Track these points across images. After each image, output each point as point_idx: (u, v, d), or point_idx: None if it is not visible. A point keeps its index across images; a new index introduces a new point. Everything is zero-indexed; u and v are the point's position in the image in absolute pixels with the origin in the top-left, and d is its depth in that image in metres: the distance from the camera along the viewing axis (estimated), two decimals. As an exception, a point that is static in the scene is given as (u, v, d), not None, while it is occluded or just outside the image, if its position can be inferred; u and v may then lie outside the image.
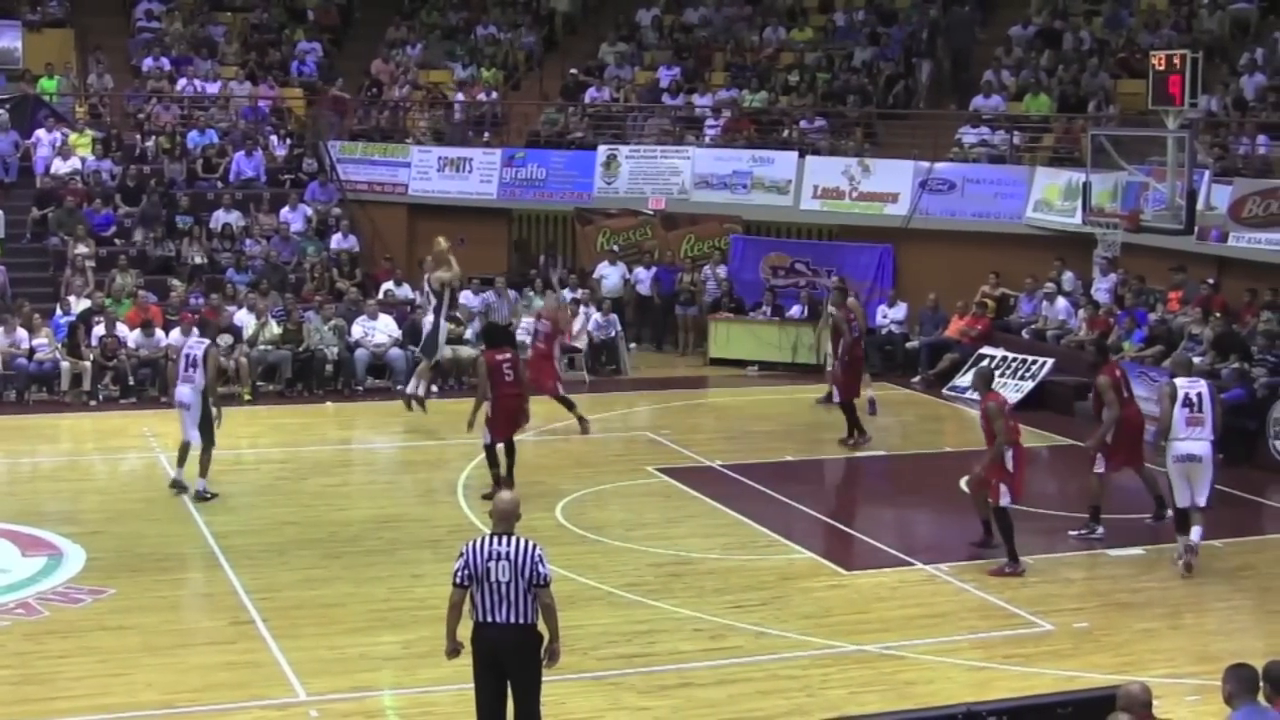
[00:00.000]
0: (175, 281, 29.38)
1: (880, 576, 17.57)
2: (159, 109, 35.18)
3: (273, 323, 27.71)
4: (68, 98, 35.35)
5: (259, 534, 18.78)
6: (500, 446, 20.35)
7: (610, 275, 31.81)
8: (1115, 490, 19.62)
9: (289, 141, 35.41)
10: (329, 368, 27.61)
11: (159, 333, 27.13)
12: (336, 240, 32.20)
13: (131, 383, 26.67)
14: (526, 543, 11.33)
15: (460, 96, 36.67)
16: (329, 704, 13.51)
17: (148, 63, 36.67)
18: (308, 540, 18.52)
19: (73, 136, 33.31)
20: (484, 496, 19.69)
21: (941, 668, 14.59)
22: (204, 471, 20.10)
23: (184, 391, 20.18)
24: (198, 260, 30.64)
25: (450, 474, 21.66)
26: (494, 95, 36.68)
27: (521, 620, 11.28)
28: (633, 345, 30.74)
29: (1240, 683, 9.84)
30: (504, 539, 11.32)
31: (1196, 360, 23.50)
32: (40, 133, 33.22)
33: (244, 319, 27.83)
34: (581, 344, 29.03)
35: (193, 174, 33.54)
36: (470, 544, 11.39)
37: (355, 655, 14.72)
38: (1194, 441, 17.62)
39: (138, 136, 34.35)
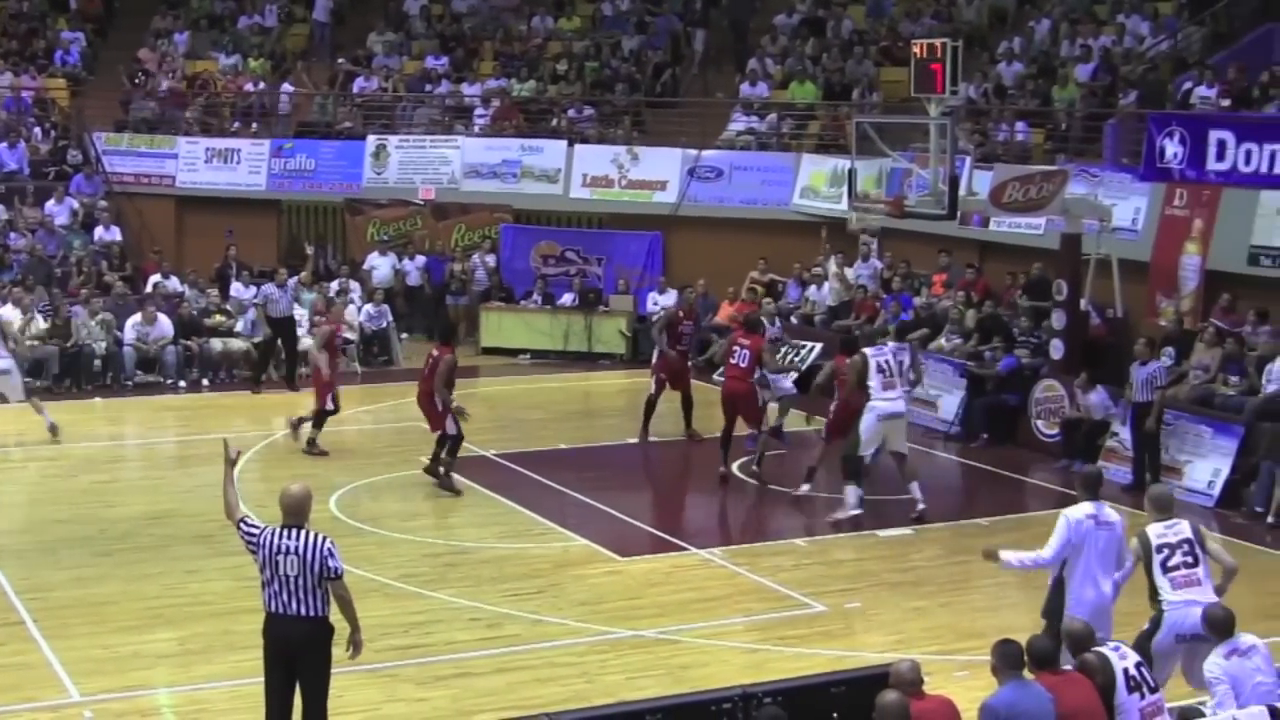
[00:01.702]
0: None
1: (654, 562, 17.85)
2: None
3: (39, 318, 27.21)
4: None
5: (27, 533, 18.53)
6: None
7: (381, 266, 31.70)
8: (883, 474, 20.13)
9: (53, 133, 34.75)
10: (97, 363, 27.20)
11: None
12: (102, 234, 31.68)
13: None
14: (316, 536, 11.36)
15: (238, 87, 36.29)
16: (103, 704, 13.41)
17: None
18: (78, 538, 18.29)
19: None
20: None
21: (716, 651, 14.87)
22: None
23: None
24: (-40, 255, 30.03)
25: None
26: (261, 85, 36.34)
27: (311, 614, 11.31)
28: (404, 335, 30.69)
29: (1005, 658, 10.23)
30: (293, 532, 11.33)
31: (959, 342, 24.31)
32: None
33: (9, 314, 27.27)
34: (353, 335, 28.92)
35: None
36: (267, 531, 11.37)
37: (129, 654, 14.61)
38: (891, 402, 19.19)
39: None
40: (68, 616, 15.49)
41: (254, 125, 35.28)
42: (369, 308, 29.64)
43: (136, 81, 36.60)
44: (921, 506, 19.35)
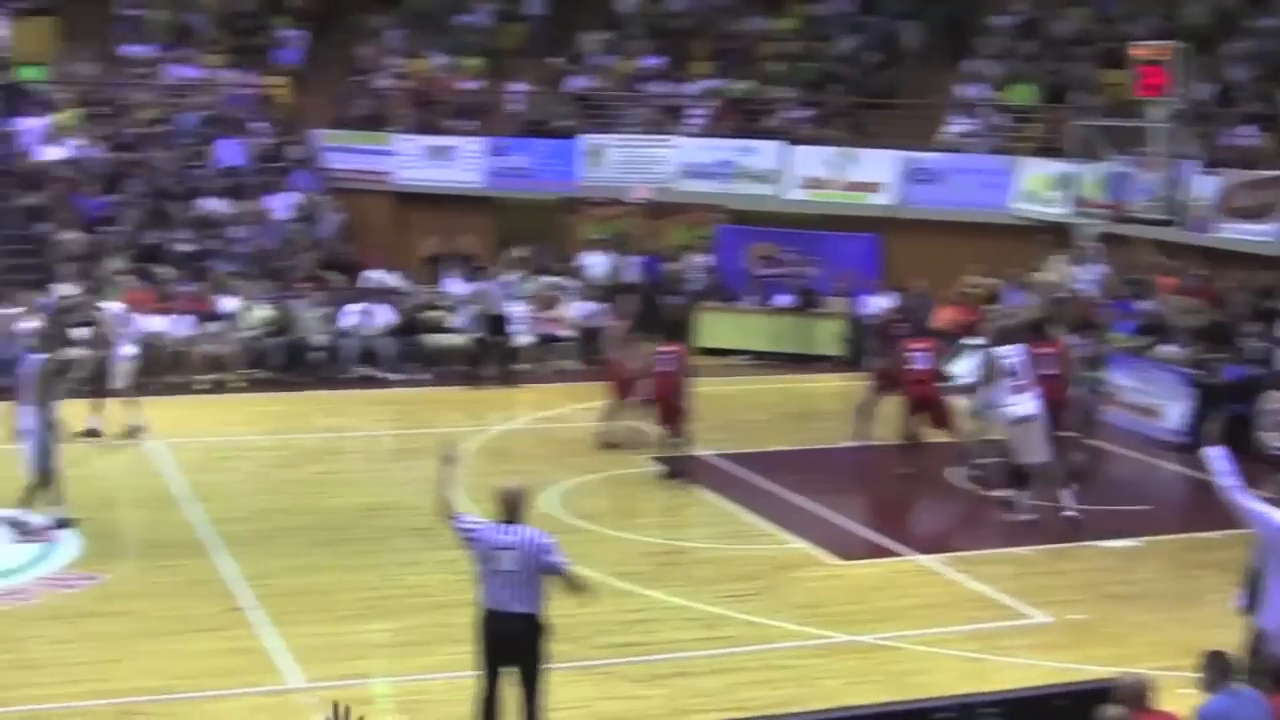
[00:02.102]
0: (162, 269, 29.28)
1: (873, 566, 17.63)
2: (142, 96, 35.07)
3: (261, 308, 27.68)
4: (51, 85, 35.20)
5: (250, 521, 18.78)
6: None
7: (598, 264, 31.77)
8: (1109, 482, 19.73)
9: (274, 129, 35.31)
10: (318, 355, 27.60)
11: (144, 319, 27.05)
12: (321, 228, 32.14)
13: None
14: (534, 533, 11.34)
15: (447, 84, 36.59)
16: (321, 690, 13.45)
17: (130, 50, 36.57)
18: (299, 528, 18.52)
19: (59, 114, 33.33)
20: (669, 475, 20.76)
21: (936, 658, 14.61)
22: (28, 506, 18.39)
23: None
24: (185, 248, 30.57)
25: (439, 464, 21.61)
26: (478, 84, 36.61)
27: (526, 610, 11.31)
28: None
29: (1216, 669, 9.95)
30: (511, 528, 11.32)
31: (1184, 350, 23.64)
32: (25, 120, 33.18)
33: (231, 306, 27.79)
34: (571, 333, 29.06)
35: (178, 161, 33.45)
36: (484, 527, 11.40)
37: (347, 642, 14.72)
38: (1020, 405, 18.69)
39: (122, 124, 34.24)
40: (288, 604, 15.65)
41: (470, 123, 35.50)
42: (587, 305, 29.70)
43: (354, 79, 37.06)
44: (1070, 514, 18.85)
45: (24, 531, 17.66)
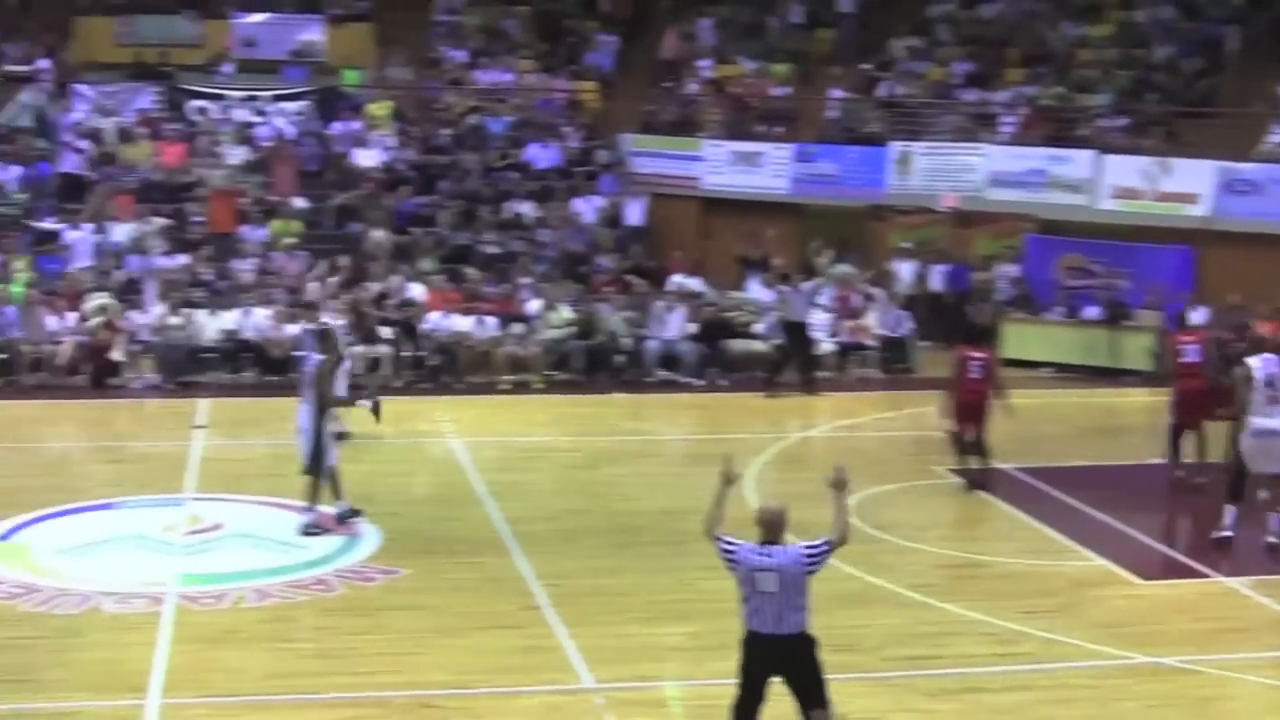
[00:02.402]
0: (471, 270, 29.81)
1: (1176, 587, 17.12)
2: (455, 99, 35.78)
3: (564, 310, 28.01)
4: (368, 90, 36.12)
5: (549, 521, 18.95)
6: (969, 439, 20.72)
7: (903, 273, 31.48)
8: None
9: (583, 133, 35.72)
10: (620, 358, 27.83)
11: (455, 318, 27.61)
12: (627, 232, 32.42)
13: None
14: (794, 551, 11.20)
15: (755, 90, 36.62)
16: (614, 691, 13.55)
17: (445, 54, 37.35)
18: (596, 529, 18.64)
19: (373, 117, 34.19)
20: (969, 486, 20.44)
21: (1241, 686, 14.11)
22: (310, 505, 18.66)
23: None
24: (492, 250, 31.10)
25: (739, 468, 21.57)
26: (785, 89, 36.56)
27: (790, 631, 11.18)
28: (924, 343, 30.36)
29: None
30: (772, 549, 11.19)
31: None
32: (341, 123, 34.14)
33: (535, 308, 28.18)
34: (874, 341, 28.88)
35: (488, 164, 34.06)
36: (744, 548, 11.25)
37: (641, 644, 14.75)
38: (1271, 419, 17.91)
39: (435, 126, 34.99)
40: (584, 604, 15.74)
41: (778, 128, 35.47)
42: (891, 313, 29.45)
43: (664, 84, 37.30)
44: (1272, 540, 18.03)
45: (308, 527, 18.13)
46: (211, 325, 27.13)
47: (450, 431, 23.78)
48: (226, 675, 13.68)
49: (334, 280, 27.52)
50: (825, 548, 11.23)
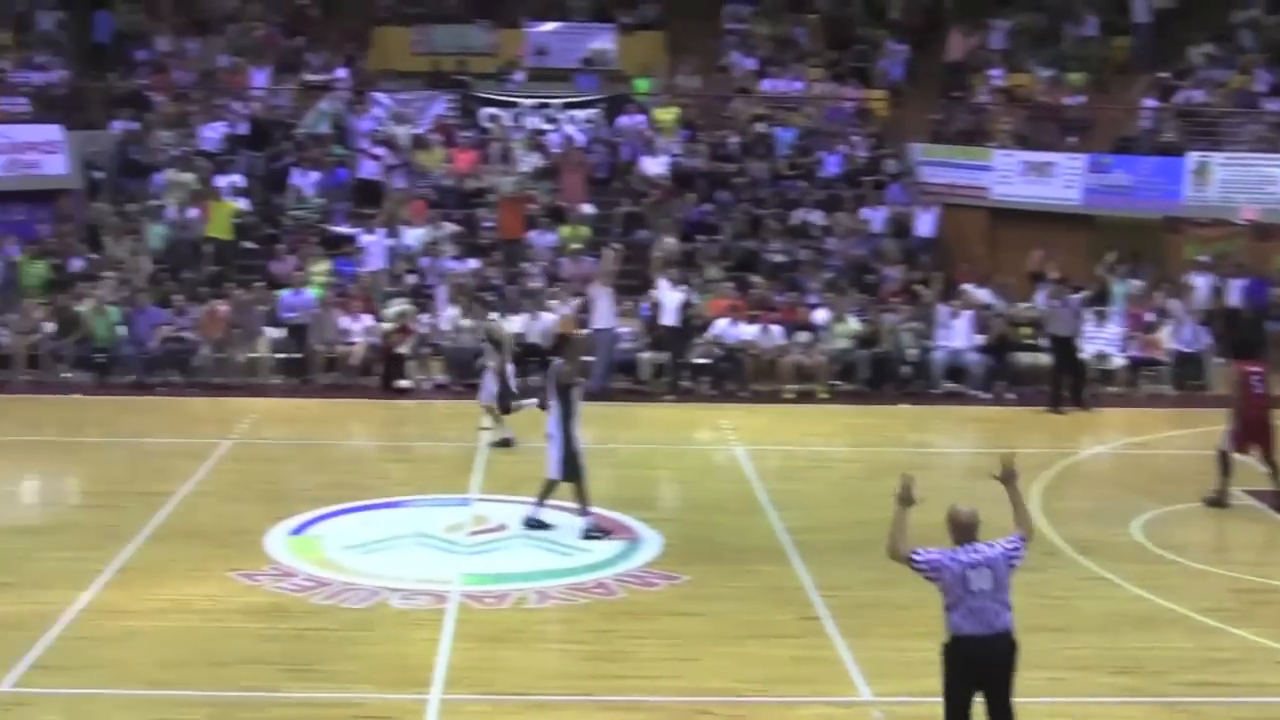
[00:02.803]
0: (757, 277, 29.78)
1: None
2: (743, 107, 35.80)
3: (851, 320, 27.82)
4: (656, 97, 36.32)
5: (830, 531, 18.78)
6: (1247, 459, 20.11)
7: (1200, 286, 30.65)
8: None
9: (871, 141, 35.48)
10: (906, 369, 27.57)
11: (740, 326, 27.61)
12: (915, 242, 32.11)
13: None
14: (997, 544, 11.22)
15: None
16: (892, 706, 13.38)
17: (734, 62, 37.43)
18: (877, 541, 18.23)
19: (659, 113, 34.44)
20: (1205, 501, 19.88)
21: None
22: (583, 509, 18.70)
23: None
24: (779, 258, 31.04)
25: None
26: (1081, 98, 35.89)
27: (1006, 628, 11.09)
28: (1219, 360, 29.49)
29: None
30: (973, 547, 11.18)
31: None
32: (629, 130, 34.43)
33: (821, 317, 28.04)
34: (1166, 357, 28.18)
35: (776, 172, 34.02)
36: (944, 554, 11.23)
37: (921, 659, 14.43)
38: None
39: (723, 134, 35.07)
40: (865, 616, 15.57)
41: (1071, 138, 34.82)
42: (1187, 327, 28.69)
43: (953, 93, 36.88)
44: None
45: (589, 531, 18.29)
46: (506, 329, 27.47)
47: (733, 439, 23.77)
48: (507, 674, 13.82)
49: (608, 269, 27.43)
50: (1019, 542, 11.23)
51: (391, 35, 39.43)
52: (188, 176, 32.40)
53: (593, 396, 26.07)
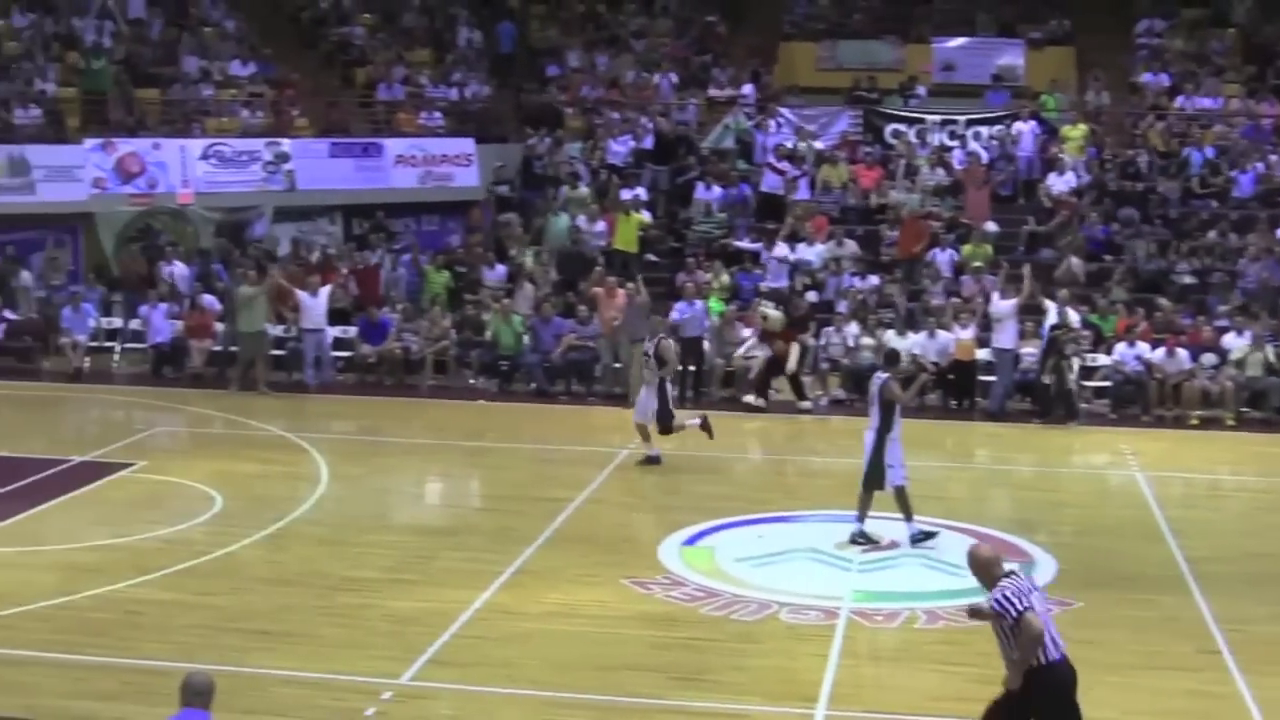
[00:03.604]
0: (1163, 300, 28.98)
1: None
2: (1155, 125, 34.92)
3: (1269, 350, 26.75)
4: (1065, 115, 35.69)
5: (1233, 562, 18.22)
6: None
7: None
8: None
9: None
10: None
11: (1143, 348, 26.94)
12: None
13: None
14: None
15: None
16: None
17: (1146, 79, 36.55)
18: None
19: (1067, 130, 33.92)
20: None
21: None
22: (860, 516, 18.72)
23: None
24: (1187, 279, 30.18)
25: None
26: None
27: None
28: None
29: None
30: (1011, 580, 11.10)
31: None
32: (1037, 148, 34.00)
33: (1230, 341, 27.14)
34: None
35: (1188, 192, 33.10)
36: (1012, 586, 11.07)
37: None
38: None
39: (1133, 153, 34.27)
40: (1269, 652, 15.02)
41: None
42: None
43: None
44: None
45: (865, 542, 18.38)
46: (900, 346, 27.27)
47: (1134, 464, 23.21)
48: (892, 693, 13.78)
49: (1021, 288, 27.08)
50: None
51: (798, 51, 39.68)
52: (586, 191, 33.24)
53: (991, 417, 26.02)
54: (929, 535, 18.53)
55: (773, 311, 27.29)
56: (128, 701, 13.23)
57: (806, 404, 26.97)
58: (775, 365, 27.07)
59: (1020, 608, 10.83)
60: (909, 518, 18.49)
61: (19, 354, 30.44)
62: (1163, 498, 21.05)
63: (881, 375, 18.65)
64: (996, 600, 10.96)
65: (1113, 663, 14.60)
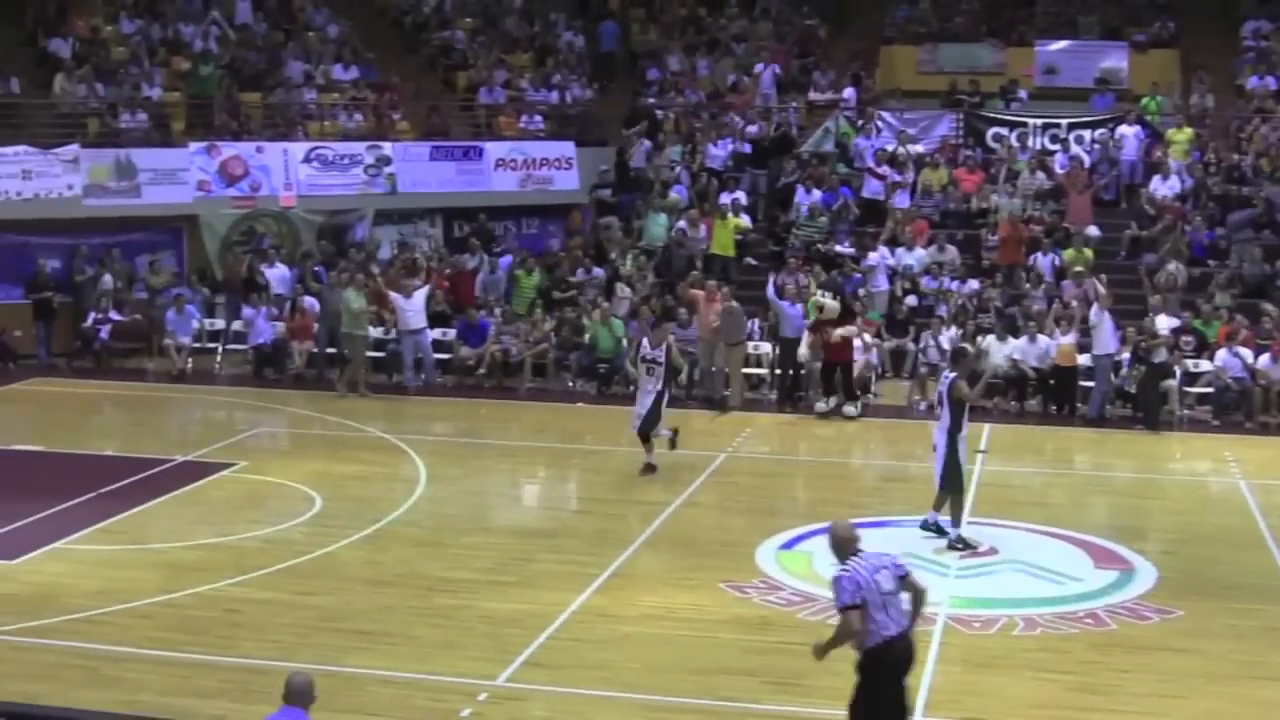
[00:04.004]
0: (1269, 306, 28.60)
1: None
2: (1263, 129, 34.51)
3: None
4: (1168, 118, 35.35)
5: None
6: None
7: None
8: None
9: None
10: None
11: (1247, 355, 26.61)
12: None
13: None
14: (881, 553, 11.63)
15: None
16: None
17: (1253, 81, 36.13)
18: None
19: (1171, 133, 33.59)
20: None
21: None
22: (955, 520, 18.69)
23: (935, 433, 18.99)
24: (1291, 286, 29.84)
25: None
26: None
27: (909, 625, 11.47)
28: None
29: None
30: (862, 556, 11.31)
31: None
32: (1140, 152, 33.70)
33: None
34: None
35: (1295, 197, 32.72)
36: (851, 572, 11.24)
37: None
38: None
39: (1236, 156, 33.87)
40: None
41: None
42: None
43: None
44: None
45: (963, 548, 18.31)
46: (1000, 351, 27.11)
47: (1237, 471, 22.96)
48: (989, 699, 13.71)
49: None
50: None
51: (899, 54, 39.54)
52: (678, 196, 33.29)
53: (1091, 423, 25.79)
54: (941, 532, 18.53)
55: (829, 301, 26.95)
56: (227, 699, 13.37)
57: (851, 410, 26.72)
58: (830, 366, 26.89)
59: (845, 602, 11.14)
60: (939, 509, 18.67)
61: (123, 354, 30.85)
62: (1266, 506, 20.78)
63: (949, 374, 18.62)
64: (836, 579, 11.29)
65: (1213, 672, 14.48)
